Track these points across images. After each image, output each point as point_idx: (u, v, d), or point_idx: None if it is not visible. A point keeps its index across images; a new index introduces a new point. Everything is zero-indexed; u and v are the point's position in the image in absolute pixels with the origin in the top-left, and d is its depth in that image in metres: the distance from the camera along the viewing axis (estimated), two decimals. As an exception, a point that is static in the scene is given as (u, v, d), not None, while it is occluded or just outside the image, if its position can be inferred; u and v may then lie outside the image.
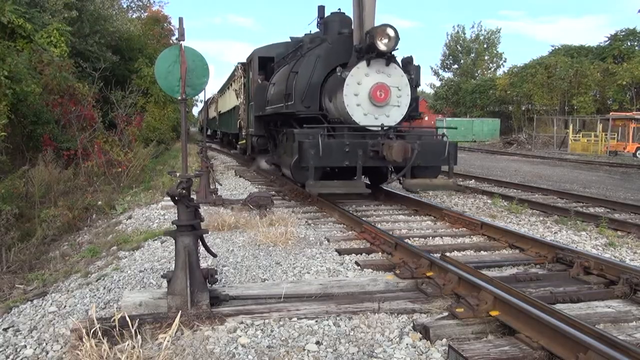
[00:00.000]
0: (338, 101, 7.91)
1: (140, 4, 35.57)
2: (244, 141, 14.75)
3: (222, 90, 23.75)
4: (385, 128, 7.78)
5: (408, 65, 8.31)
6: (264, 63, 12.49)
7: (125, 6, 33.06)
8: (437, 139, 8.26)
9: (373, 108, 7.79)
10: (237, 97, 15.79)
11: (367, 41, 7.47)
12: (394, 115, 7.94)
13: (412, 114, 8.51)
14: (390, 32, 7.34)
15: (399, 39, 7.45)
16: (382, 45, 7.37)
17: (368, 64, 7.67)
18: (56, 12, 18.41)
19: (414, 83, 8.34)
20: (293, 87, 8.62)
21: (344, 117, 7.88)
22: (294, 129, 8.28)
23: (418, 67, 8.64)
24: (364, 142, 7.45)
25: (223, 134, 25.67)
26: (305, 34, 10.67)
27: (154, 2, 38.14)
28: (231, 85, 19.00)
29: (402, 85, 7.91)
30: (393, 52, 7.74)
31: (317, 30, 10.24)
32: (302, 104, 8.56)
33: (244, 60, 14.61)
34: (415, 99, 8.34)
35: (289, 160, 7.76)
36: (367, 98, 7.73)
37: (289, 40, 12.06)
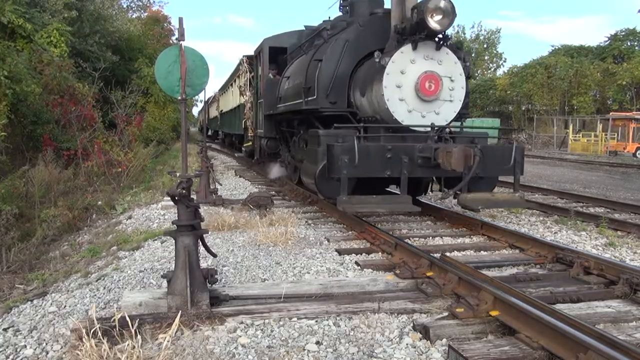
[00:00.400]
0: (374, 95, 6.38)
1: (140, 4, 35.66)
2: (250, 143, 13.47)
3: (223, 88, 22.85)
4: (436, 128, 6.24)
5: (458, 52, 6.63)
6: (274, 55, 10.89)
7: (125, 6, 33.16)
8: (500, 143, 6.78)
9: (420, 103, 6.26)
10: (242, 95, 14.22)
11: (413, 19, 6.04)
12: (445, 112, 6.39)
13: (462, 111, 6.88)
14: (445, 5, 5.87)
15: (456, 15, 5.93)
16: (434, 22, 5.87)
17: (414, 48, 6.14)
18: (56, 12, 18.43)
19: (467, 73, 6.73)
20: (315, 78, 7.10)
21: (382, 115, 6.38)
22: (318, 129, 6.80)
23: (469, 55, 6.91)
24: (411, 146, 5.96)
25: (225, 135, 24.74)
26: (324, 21, 9.24)
27: (154, 2, 38.25)
28: (235, 81, 17.37)
29: (455, 75, 6.37)
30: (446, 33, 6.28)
31: (340, 14, 8.77)
32: (327, 100, 7.02)
33: (250, 53, 13.09)
34: (467, 94, 6.81)
35: (313, 169, 6.27)
36: (412, 91, 6.21)
37: (304, 29, 10.58)
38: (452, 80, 6.36)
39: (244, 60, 13.62)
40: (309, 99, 7.37)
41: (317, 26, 9.47)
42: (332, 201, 6.54)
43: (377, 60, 6.23)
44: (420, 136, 6.23)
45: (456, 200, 6.21)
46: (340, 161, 5.64)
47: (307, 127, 7.80)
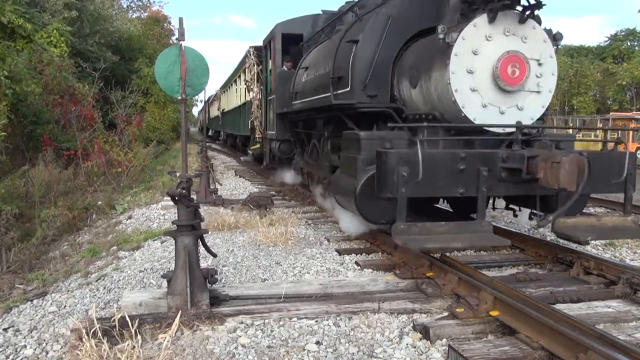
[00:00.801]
0: (434, 84, 4.87)
1: (140, 4, 35.67)
2: (258, 145, 12.16)
3: (226, 86, 21.82)
4: (524, 130, 4.70)
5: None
6: (287, 44, 9.42)
7: (125, 6, 33.16)
8: (608, 150, 5.00)
9: (499, 95, 4.67)
10: (249, 91, 12.63)
11: None
12: (530, 107, 4.79)
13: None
14: None
15: None
16: None
17: (492, 20, 4.55)
18: (56, 12, 18.44)
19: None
20: (349, 65, 5.62)
21: (444, 111, 4.86)
22: (355, 131, 5.37)
23: (550, 33, 4.97)
24: (492, 154, 4.44)
25: (227, 135, 23.77)
26: (347, 2, 7.82)
27: (154, 2, 38.29)
28: (240, 77, 15.80)
29: (544, 57, 4.77)
30: None
31: None
32: (364, 92, 5.53)
33: (257, 44, 11.81)
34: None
35: (351, 184, 4.80)
36: (489, 78, 4.63)
37: (321, 13, 9.36)
38: (539, 64, 4.77)
39: (251, 52, 12.13)
40: (340, 91, 5.90)
41: (338, 9, 8.12)
42: (381, 227, 5.28)
43: (441, 36, 4.59)
44: (491, 140, 4.73)
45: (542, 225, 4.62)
46: (397, 175, 4.11)
47: (334, 128, 6.53)
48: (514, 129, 4.64)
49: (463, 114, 4.64)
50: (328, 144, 6.63)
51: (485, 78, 4.65)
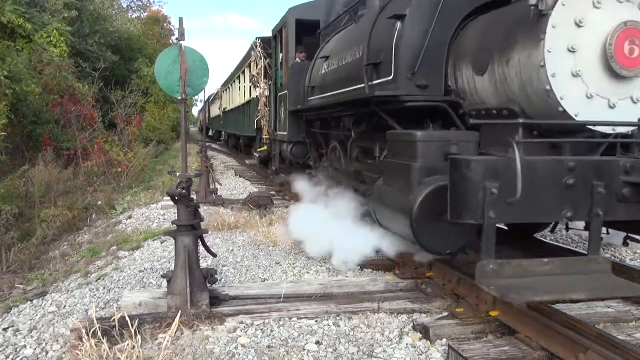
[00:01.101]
0: (514, 69, 3.55)
1: (140, 4, 35.61)
2: (265, 147, 11.13)
3: (228, 83, 21.01)
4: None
5: None
6: (300, 32, 8.33)
7: (125, 6, 33.11)
8: None
9: (609, 83, 3.39)
10: (255, 87, 11.50)
11: None
12: None
13: None
14: None
15: None
16: None
17: None
18: (56, 12, 18.42)
19: None
20: (392, 48, 4.42)
21: (528, 104, 3.55)
22: (406, 130, 4.30)
23: None
24: (611, 163, 3.20)
25: (230, 136, 22.88)
26: None
27: (154, 2, 38.28)
28: (244, 73, 14.81)
29: None
30: None
31: None
32: (413, 82, 4.27)
33: (265, 34, 10.86)
34: None
35: (403, 201, 3.63)
36: (598, 59, 3.35)
37: None
38: None
39: (258, 44, 11.07)
40: (378, 81, 4.73)
41: None
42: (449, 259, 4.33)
43: (533, 2, 3.32)
44: (584, 145, 3.49)
45: None
46: (483, 193, 2.94)
47: (366, 128, 5.66)
48: (629, 129, 3.38)
49: (561, 109, 3.32)
50: (377, 149, 5.23)
51: (592, 59, 3.37)
